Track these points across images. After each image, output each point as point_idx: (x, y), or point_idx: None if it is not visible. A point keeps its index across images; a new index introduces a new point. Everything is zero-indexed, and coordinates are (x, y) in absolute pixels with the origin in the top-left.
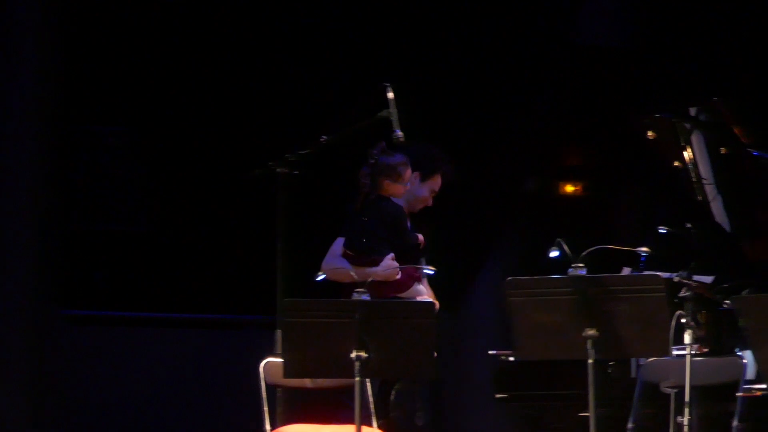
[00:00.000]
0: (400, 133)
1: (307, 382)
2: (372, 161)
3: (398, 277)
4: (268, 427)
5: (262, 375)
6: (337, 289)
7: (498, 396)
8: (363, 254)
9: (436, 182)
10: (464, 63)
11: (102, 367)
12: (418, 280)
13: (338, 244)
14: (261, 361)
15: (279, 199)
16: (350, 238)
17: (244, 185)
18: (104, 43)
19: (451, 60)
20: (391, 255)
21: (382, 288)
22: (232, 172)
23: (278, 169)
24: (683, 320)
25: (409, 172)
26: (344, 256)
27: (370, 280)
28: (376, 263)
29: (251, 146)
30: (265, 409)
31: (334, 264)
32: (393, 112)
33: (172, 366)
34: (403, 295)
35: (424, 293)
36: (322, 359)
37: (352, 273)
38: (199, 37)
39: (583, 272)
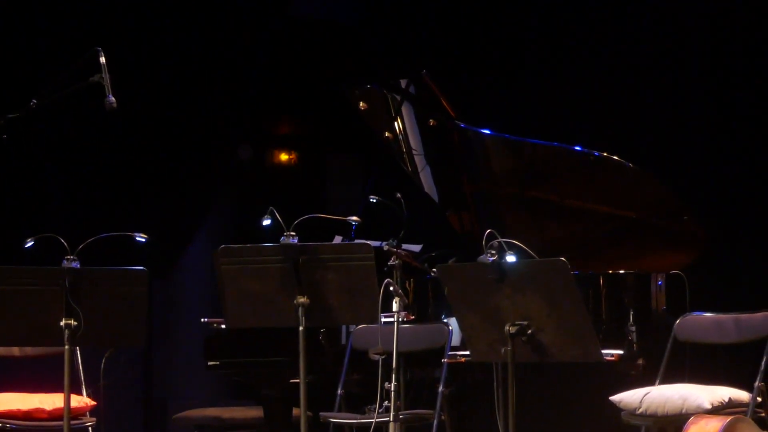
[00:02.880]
0: (112, 99)
1: (15, 351)
2: None
3: None
4: None
5: None
6: (47, 257)
7: (209, 364)
8: None
9: None
10: (180, 31)
11: None
12: None
13: None
14: None
15: None
16: None
17: None
18: None
19: (167, 27)
20: None
21: None
22: None
23: None
24: (391, 288)
25: None
26: None
27: None
28: None
29: None
30: None
31: None
32: (105, 78)
33: None
34: None
35: None
36: (30, 327)
37: None
38: None
39: (295, 241)
